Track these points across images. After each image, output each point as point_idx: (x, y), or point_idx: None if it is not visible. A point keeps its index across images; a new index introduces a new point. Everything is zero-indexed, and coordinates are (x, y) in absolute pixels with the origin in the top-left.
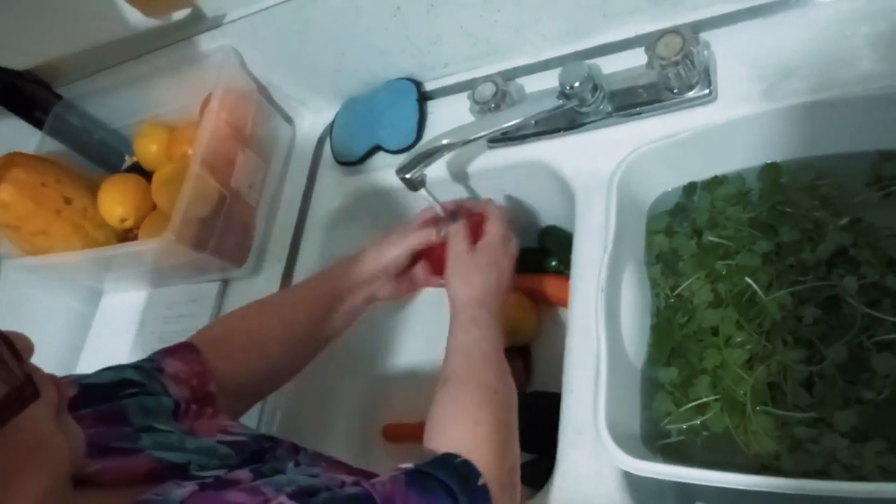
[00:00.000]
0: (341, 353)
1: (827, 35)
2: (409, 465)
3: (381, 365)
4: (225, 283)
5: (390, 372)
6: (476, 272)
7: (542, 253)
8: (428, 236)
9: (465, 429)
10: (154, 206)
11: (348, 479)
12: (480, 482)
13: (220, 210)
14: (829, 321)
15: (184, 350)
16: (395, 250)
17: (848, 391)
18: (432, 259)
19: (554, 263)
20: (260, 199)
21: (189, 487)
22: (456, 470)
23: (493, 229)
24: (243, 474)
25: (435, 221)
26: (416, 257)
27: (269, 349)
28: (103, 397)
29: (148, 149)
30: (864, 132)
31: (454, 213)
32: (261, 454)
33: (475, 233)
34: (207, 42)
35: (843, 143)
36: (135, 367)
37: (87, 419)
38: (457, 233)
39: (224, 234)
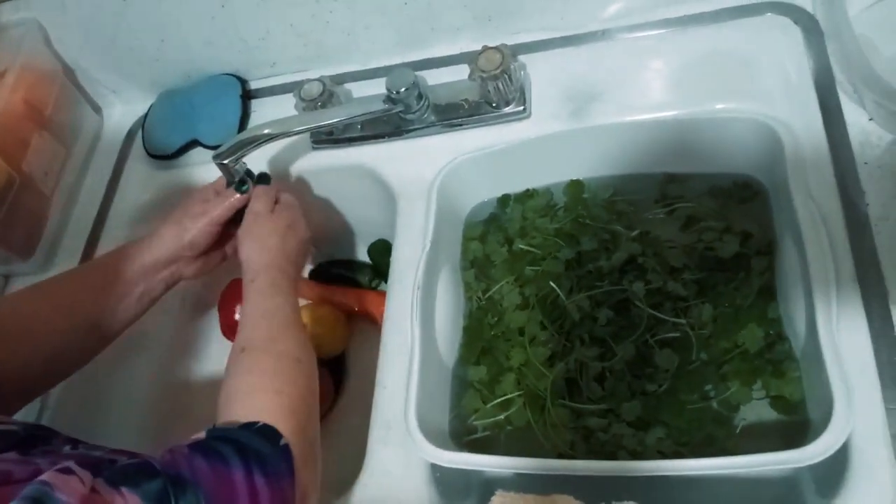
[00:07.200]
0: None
1: (626, 66)
2: (200, 435)
3: (177, 356)
4: (6, 279)
5: (190, 364)
6: (275, 234)
7: (370, 268)
8: (237, 202)
9: (267, 398)
10: None
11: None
12: (283, 442)
13: (6, 195)
14: (620, 322)
15: None
16: (200, 224)
17: (634, 384)
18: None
19: (375, 283)
20: (56, 189)
21: None
22: (255, 432)
23: (289, 197)
24: (10, 455)
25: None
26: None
27: (43, 342)
28: None
29: None
30: (654, 155)
31: (263, 175)
32: (32, 441)
33: None
34: (9, 13)
35: (637, 165)
36: None
37: None
38: (263, 193)
39: (9, 221)
